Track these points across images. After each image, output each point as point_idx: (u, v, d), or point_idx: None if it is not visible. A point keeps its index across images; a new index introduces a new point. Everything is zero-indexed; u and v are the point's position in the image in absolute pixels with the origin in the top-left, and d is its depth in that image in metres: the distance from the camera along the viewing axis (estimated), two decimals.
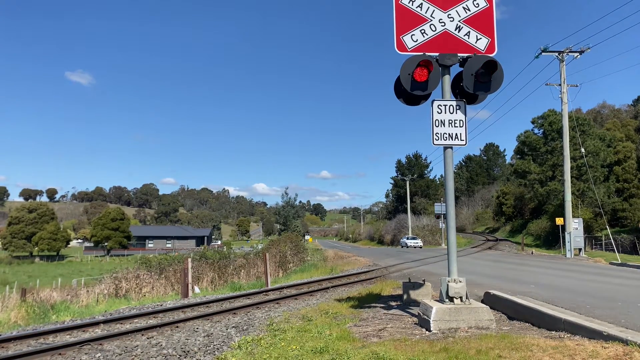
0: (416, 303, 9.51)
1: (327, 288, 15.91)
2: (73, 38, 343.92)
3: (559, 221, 32.32)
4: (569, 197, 30.52)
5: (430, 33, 8.33)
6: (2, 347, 8.61)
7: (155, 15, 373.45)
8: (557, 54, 30.27)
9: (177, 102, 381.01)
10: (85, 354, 7.69)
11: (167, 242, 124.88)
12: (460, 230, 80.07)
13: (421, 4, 8.40)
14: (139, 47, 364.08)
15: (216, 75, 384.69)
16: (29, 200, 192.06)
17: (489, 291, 10.00)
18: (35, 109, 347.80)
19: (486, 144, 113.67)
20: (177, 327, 9.93)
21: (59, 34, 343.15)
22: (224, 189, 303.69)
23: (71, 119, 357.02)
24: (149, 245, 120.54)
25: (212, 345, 7.90)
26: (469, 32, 8.37)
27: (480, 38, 8.37)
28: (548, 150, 49.83)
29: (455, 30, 8.36)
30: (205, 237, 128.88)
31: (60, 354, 7.78)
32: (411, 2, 8.41)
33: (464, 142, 8.17)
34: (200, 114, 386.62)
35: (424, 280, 10.73)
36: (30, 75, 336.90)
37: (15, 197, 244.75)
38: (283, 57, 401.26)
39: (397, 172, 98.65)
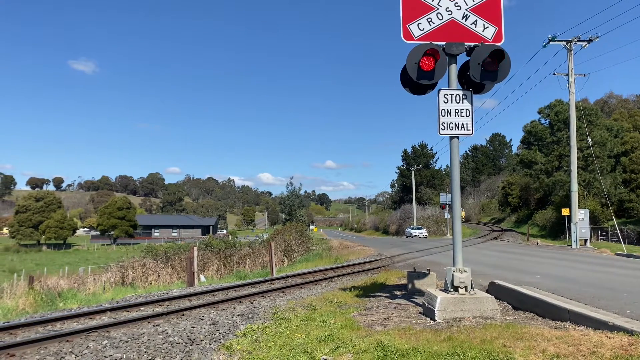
0: (421, 292, 9.53)
1: (332, 277, 15.96)
2: (76, 26, 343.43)
3: (564, 212, 32.25)
4: (575, 188, 30.38)
5: (437, 22, 8.25)
6: (11, 333, 8.71)
7: (159, 3, 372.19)
8: (565, 43, 29.98)
9: (181, 91, 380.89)
10: (93, 341, 7.76)
11: (173, 231, 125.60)
12: (465, 220, 79.99)
13: None
14: (142, 34, 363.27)
15: (221, 64, 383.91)
16: (36, 189, 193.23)
17: (494, 281, 10.00)
18: (40, 98, 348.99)
19: (492, 133, 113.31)
20: (183, 315, 10.01)
21: (63, 22, 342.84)
22: (229, 178, 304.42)
23: (76, 107, 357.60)
24: (155, 234, 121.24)
25: (217, 333, 7.96)
26: (476, 20, 8.29)
27: (488, 27, 8.29)
28: (554, 141, 49.53)
29: (462, 18, 8.28)
30: (211, 227, 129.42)
31: (67, 340, 7.85)
32: None
33: (470, 132, 8.13)
34: (205, 103, 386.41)
35: (428, 270, 10.75)
36: (34, 64, 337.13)
37: (22, 186, 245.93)
38: (287, 46, 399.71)
39: (402, 162, 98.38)
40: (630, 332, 5.48)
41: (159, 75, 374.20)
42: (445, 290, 7.81)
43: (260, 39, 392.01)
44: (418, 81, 8.15)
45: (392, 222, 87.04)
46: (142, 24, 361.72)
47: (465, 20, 8.28)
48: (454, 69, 8.27)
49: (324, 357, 5.72)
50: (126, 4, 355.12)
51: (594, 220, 39.07)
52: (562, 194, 45.26)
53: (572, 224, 30.10)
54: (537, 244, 36.44)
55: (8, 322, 10.15)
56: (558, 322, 6.80)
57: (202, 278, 20.76)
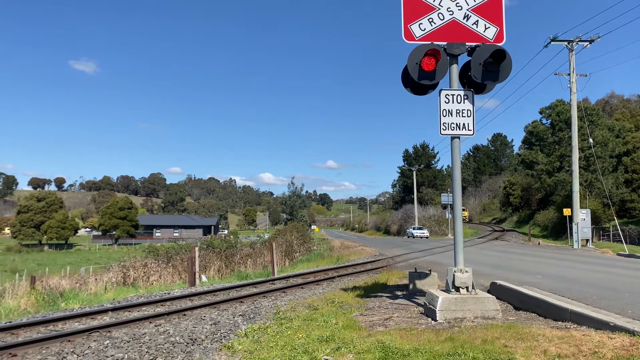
0: (422, 293, 9.53)
1: (333, 277, 15.96)
2: (76, 26, 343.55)
3: (566, 212, 32.19)
4: (576, 188, 30.35)
5: (438, 22, 8.25)
6: (13, 333, 8.72)
7: (159, 3, 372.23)
8: (566, 43, 29.95)
9: (181, 91, 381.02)
10: (94, 341, 7.78)
11: (175, 231, 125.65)
12: (467, 220, 79.93)
13: None
14: (142, 34, 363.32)
15: (221, 64, 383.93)
16: (38, 189, 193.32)
17: (495, 281, 10.00)
18: (41, 98, 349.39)
19: (494, 134, 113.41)
20: (185, 315, 10.01)
21: (63, 22, 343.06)
22: (230, 178, 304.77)
23: (77, 108, 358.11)
24: (157, 234, 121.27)
25: (219, 333, 7.96)
26: (477, 20, 8.28)
27: (489, 27, 8.29)
28: (556, 141, 49.49)
29: (464, 19, 8.28)
30: (212, 227, 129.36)
31: (69, 340, 7.86)
32: None
33: (471, 132, 8.12)
34: (205, 103, 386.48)
35: (430, 270, 10.74)
36: (34, 64, 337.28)
37: (24, 186, 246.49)
38: (287, 46, 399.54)
39: (404, 162, 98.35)
40: (631, 333, 5.48)
41: (159, 75, 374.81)
42: (447, 291, 7.81)
43: (260, 39, 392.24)
44: (419, 81, 8.15)
45: (393, 222, 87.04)
46: (142, 24, 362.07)
47: (467, 21, 8.28)
48: (455, 69, 8.26)
49: (325, 357, 5.73)
50: (126, 4, 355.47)
51: (595, 220, 39.03)
52: (564, 194, 45.22)
53: (573, 224, 30.07)
54: (539, 244, 36.41)
55: (10, 322, 10.16)
56: (559, 323, 6.80)
57: (204, 278, 20.77)
